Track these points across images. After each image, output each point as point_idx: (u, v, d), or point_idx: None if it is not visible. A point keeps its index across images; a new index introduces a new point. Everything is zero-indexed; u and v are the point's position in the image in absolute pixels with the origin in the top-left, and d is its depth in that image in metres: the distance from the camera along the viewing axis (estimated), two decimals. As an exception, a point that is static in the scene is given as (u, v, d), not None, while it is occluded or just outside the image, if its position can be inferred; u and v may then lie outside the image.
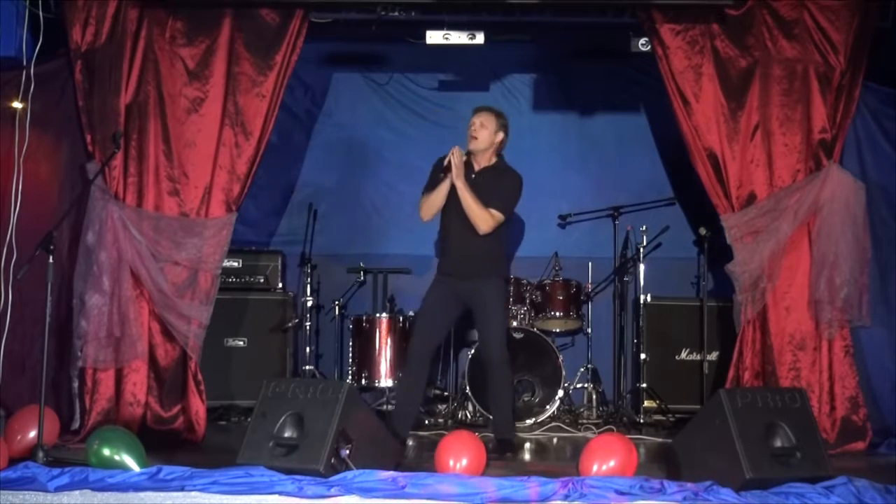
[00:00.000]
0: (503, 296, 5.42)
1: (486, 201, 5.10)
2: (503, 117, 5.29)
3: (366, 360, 6.58)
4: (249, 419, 4.46)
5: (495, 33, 5.96)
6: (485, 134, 5.19)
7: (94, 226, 5.38)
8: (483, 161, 5.26)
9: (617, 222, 6.95)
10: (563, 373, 6.41)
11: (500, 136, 5.26)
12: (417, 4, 5.75)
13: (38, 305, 4.93)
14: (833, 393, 5.52)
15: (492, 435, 5.39)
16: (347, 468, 4.06)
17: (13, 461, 4.27)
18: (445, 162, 5.11)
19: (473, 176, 5.21)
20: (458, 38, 5.79)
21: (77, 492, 3.88)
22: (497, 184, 5.19)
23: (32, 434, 4.73)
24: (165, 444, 5.15)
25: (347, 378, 6.66)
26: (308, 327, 6.88)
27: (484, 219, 5.10)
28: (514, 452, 5.28)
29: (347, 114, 7.51)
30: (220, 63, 5.58)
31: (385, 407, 6.40)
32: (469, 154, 5.23)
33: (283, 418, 4.21)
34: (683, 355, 6.58)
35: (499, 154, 5.33)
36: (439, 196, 5.16)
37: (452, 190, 5.15)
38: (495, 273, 5.28)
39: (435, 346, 5.31)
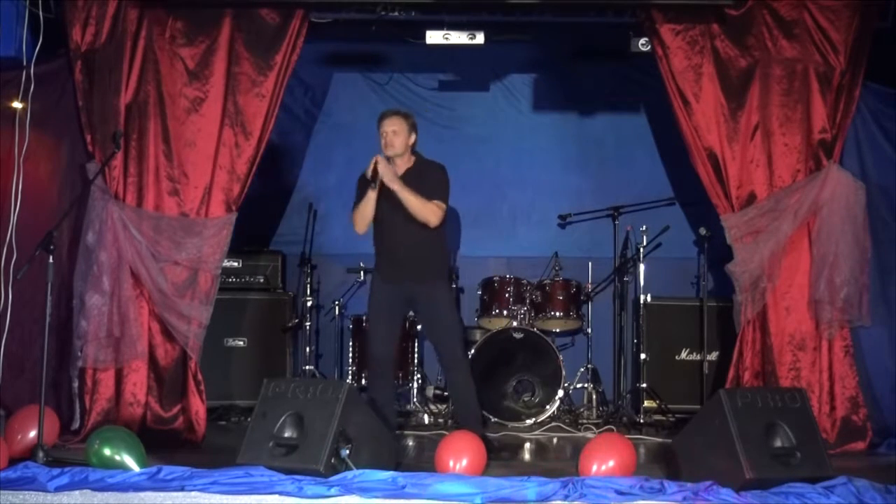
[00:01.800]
0: (451, 296, 5.50)
1: (427, 196, 5.10)
2: (411, 117, 5.26)
3: (365, 360, 6.57)
4: (249, 419, 4.47)
5: (495, 33, 5.95)
6: (399, 140, 5.15)
7: (94, 226, 5.38)
8: (402, 164, 5.22)
9: (617, 222, 6.95)
10: (563, 373, 6.41)
11: (413, 136, 5.23)
12: (417, 4, 5.74)
13: (38, 305, 4.94)
14: (833, 393, 5.52)
15: (495, 434, 5.39)
16: (347, 468, 4.06)
17: (13, 461, 4.27)
18: (369, 172, 5.09)
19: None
20: (458, 38, 5.79)
21: (77, 492, 3.89)
22: (426, 178, 5.18)
23: (32, 434, 4.74)
24: (165, 444, 5.15)
25: (347, 378, 6.67)
26: (308, 327, 6.89)
27: (432, 211, 5.10)
28: (496, 450, 5.28)
29: (347, 114, 7.50)
30: (220, 63, 5.58)
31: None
32: (388, 160, 5.19)
33: (283, 418, 4.22)
34: (683, 355, 6.58)
35: (414, 152, 5.28)
36: (368, 207, 5.12)
37: (384, 199, 5.13)
38: (441, 275, 5.31)
39: (393, 348, 5.32)
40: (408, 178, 5.14)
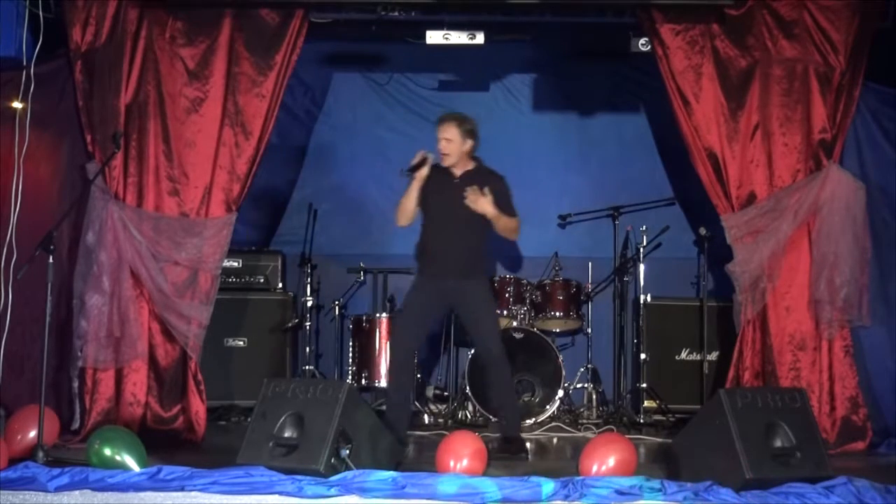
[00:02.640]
0: (491, 293, 5.53)
1: (503, 211, 5.19)
2: (467, 122, 5.27)
3: (366, 360, 6.59)
4: (249, 419, 4.46)
5: (495, 33, 5.96)
6: (453, 147, 5.21)
7: (94, 226, 5.38)
8: (461, 167, 5.28)
9: (617, 222, 6.95)
10: (563, 373, 6.41)
11: (469, 143, 5.26)
12: (417, 4, 5.74)
13: (38, 305, 4.93)
14: (833, 393, 5.52)
15: (496, 434, 5.39)
16: (347, 468, 4.06)
17: (13, 461, 4.27)
18: (414, 161, 5.13)
19: (457, 181, 5.23)
20: (458, 38, 5.79)
21: (77, 492, 3.89)
22: (492, 191, 5.19)
23: (32, 434, 4.73)
24: (165, 444, 5.15)
25: (347, 378, 6.66)
26: (308, 327, 6.88)
27: (516, 228, 5.28)
28: (526, 452, 5.26)
29: (347, 114, 7.51)
30: (220, 63, 5.58)
31: (385, 407, 6.39)
32: (447, 169, 5.25)
33: (283, 418, 4.21)
34: (683, 355, 6.58)
35: (475, 157, 5.33)
36: (409, 201, 5.19)
37: (436, 195, 5.18)
38: (482, 273, 5.37)
39: (418, 347, 5.33)
40: (466, 181, 5.20)
